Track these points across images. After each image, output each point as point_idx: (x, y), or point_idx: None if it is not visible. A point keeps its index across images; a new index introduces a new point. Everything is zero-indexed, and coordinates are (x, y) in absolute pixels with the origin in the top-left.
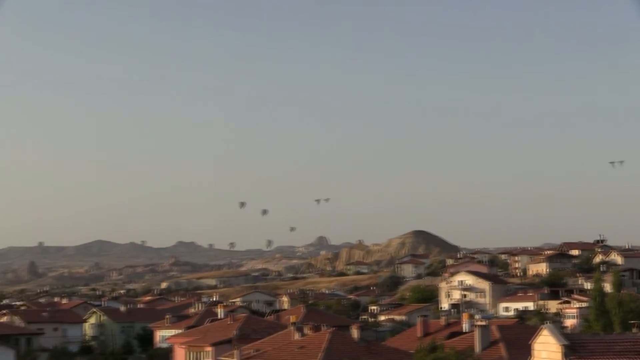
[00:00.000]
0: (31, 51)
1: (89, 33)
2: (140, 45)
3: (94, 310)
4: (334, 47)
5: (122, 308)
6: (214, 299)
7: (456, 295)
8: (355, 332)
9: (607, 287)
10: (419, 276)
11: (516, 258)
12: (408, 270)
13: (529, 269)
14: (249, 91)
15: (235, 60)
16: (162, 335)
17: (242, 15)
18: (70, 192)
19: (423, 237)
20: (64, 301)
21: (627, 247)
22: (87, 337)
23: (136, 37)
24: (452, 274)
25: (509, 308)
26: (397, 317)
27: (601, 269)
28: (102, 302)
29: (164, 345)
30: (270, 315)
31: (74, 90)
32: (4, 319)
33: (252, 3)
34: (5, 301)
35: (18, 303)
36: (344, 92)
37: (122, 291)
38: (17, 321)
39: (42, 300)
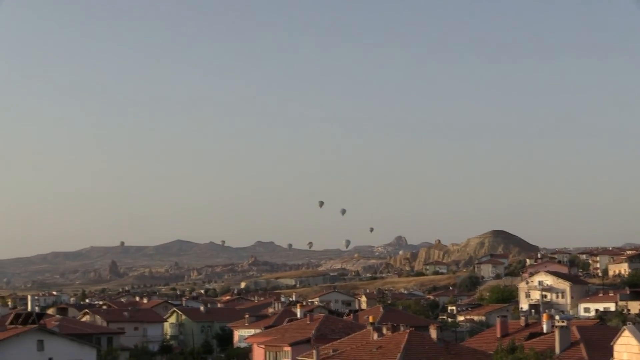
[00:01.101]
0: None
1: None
2: (250, 60)
3: (174, 309)
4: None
5: (202, 308)
6: (293, 299)
7: (535, 295)
8: (433, 333)
9: None
10: (497, 276)
11: (597, 258)
12: (487, 271)
13: (609, 270)
14: (335, 97)
15: (331, 66)
16: (241, 334)
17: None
18: (151, 193)
19: (502, 237)
20: (145, 301)
21: None
22: (167, 336)
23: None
24: (532, 274)
25: (590, 309)
26: (476, 318)
27: None
28: (182, 302)
29: (243, 344)
30: (349, 315)
31: (163, 98)
32: (86, 318)
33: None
34: (87, 300)
35: (100, 302)
36: (425, 102)
37: (201, 291)
38: (99, 320)
39: (123, 299)
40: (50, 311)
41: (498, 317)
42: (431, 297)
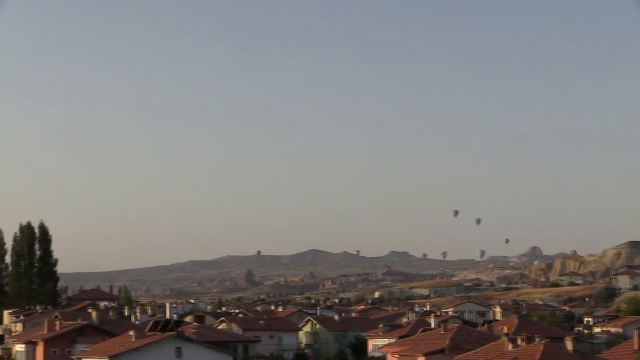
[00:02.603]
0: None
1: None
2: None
3: (309, 318)
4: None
5: (336, 317)
6: (426, 309)
7: None
8: (569, 344)
9: None
10: (635, 288)
11: None
12: (624, 282)
13: None
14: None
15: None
16: (375, 344)
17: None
18: (286, 202)
19: (639, 248)
20: (280, 309)
21: None
22: (302, 345)
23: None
24: None
25: None
26: (613, 329)
27: None
28: (316, 311)
29: (377, 354)
30: (483, 325)
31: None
32: (223, 326)
33: None
34: (223, 308)
35: (236, 310)
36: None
37: (335, 300)
38: (235, 328)
39: (258, 308)
40: (187, 319)
41: (635, 329)
42: (567, 308)
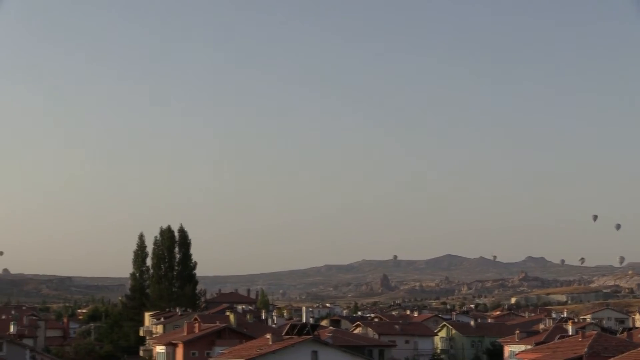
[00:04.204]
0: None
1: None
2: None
3: (444, 323)
4: None
5: (472, 322)
6: (564, 316)
7: None
8: None
9: None
10: None
11: None
12: None
13: None
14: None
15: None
16: (512, 350)
17: None
18: (426, 208)
19: None
20: (415, 314)
21: None
22: (437, 350)
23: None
24: None
25: None
26: None
27: None
28: (452, 316)
29: None
30: (622, 333)
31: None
32: (358, 330)
33: None
34: (359, 313)
35: (371, 315)
36: None
37: (471, 305)
38: (371, 333)
39: (394, 312)
40: (323, 323)
41: None
42: None
